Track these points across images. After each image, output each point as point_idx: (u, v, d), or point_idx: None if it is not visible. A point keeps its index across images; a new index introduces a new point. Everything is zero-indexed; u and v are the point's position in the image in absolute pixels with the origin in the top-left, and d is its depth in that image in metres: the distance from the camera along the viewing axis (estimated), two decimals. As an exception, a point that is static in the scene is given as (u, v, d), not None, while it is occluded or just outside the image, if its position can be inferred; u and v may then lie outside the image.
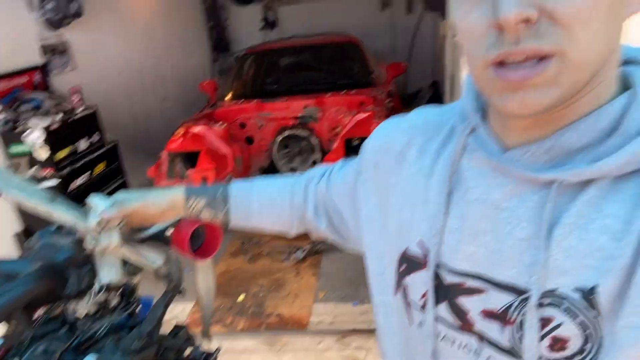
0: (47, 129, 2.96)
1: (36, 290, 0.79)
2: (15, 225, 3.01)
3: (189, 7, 6.06)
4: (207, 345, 1.02)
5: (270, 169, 3.77)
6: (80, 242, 0.86)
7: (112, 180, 3.57)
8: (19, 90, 3.14)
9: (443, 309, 0.55)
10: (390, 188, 0.62)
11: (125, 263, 0.89)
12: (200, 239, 0.91)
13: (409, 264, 0.58)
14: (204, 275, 1.00)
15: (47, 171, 3.00)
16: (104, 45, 4.16)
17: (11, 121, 2.96)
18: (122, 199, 0.78)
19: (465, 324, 0.53)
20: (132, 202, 0.77)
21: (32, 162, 2.98)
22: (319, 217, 0.77)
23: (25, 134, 2.90)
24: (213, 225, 0.90)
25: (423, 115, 0.64)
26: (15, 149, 2.95)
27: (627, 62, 0.48)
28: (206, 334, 1.06)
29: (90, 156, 3.34)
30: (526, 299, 0.47)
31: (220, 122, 3.53)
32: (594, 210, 0.44)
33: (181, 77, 5.50)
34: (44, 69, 3.42)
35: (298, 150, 3.69)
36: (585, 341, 0.44)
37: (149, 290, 1.00)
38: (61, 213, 0.78)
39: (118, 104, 4.26)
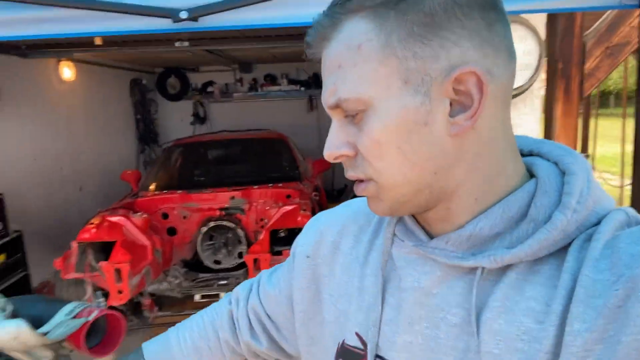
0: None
1: None
2: None
3: (118, 99, 6.07)
4: None
5: (194, 262, 3.61)
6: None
7: (12, 272, 3.22)
8: None
9: None
10: (324, 279, 0.63)
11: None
12: (100, 332, 0.82)
13: (346, 356, 0.57)
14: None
15: None
16: (19, 132, 3.97)
17: None
18: None
19: None
20: None
21: None
22: (256, 338, 0.73)
23: None
24: (115, 315, 0.82)
25: (353, 205, 0.66)
26: None
27: (530, 154, 0.53)
28: None
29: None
30: None
31: (141, 212, 3.38)
32: (517, 294, 0.46)
33: (103, 166, 5.32)
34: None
35: (224, 241, 3.59)
36: None
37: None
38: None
39: (29, 191, 3.98)
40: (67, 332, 0.72)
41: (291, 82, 6.72)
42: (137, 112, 6.51)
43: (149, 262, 3.08)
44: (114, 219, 3.06)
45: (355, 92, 0.45)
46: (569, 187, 0.46)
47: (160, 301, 3.55)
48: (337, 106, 0.47)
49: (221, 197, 3.62)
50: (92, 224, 3.04)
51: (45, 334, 0.70)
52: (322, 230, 0.65)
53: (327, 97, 0.48)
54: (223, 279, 3.49)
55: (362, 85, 0.45)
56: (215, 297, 3.28)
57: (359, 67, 0.45)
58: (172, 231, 3.58)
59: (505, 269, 0.47)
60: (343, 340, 0.58)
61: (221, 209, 3.59)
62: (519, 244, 0.46)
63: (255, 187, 3.69)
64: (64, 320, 0.74)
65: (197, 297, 3.34)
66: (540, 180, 0.48)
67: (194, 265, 3.62)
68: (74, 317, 0.75)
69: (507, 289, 0.46)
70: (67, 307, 0.76)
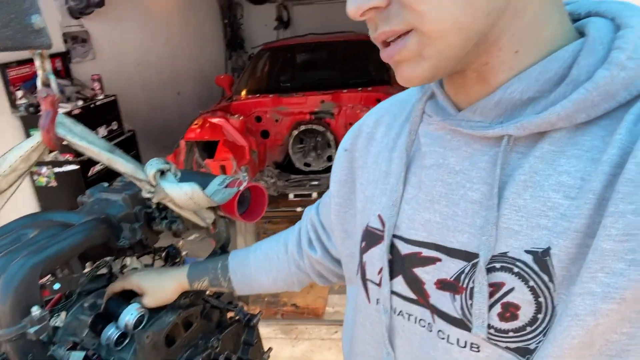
0: (67, 114, 2.99)
1: (93, 238, 0.81)
2: (32, 209, 3.03)
3: (206, 4, 6.11)
4: (246, 308, 1.03)
5: (285, 164, 3.79)
6: (132, 197, 0.88)
7: (129, 168, 3.60)
8: (41, 75, 3.17)
9: (399, 282, 0.53)
10: (358, 170, 0.63)
11: (174, 222, 0.91)
12: (247, 202, 0.93)
13: (368, 239, 0.58)
14: (243, 237, 1.02)
15: (67, 156, 3.03)
16: (122, 37, 4.20)
17: (33, 106, 2.99)
18: (137, 282, 0.84)
19: (420, 297, 0.51)
20: (150, 303, 0.83)
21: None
22: (312, 247, 0.77)
23: (47, 117, 2.93)
24: (259, 189, 0.92)
25: (392, 97, 0.65)
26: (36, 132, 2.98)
27: (591, 15, 0.46)
28: (244, 297, 1.07)
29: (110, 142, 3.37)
30: (477, 264, 0.45)
31: (237, 115, 3.55)
32: (548, 167, 0.42)
33: (196, 72, 5.54)
34: (65, 57, 3.46)
35: (313, 145, 3.71)
36: (538, 310, 0.42)
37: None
38: (121, 163, 0.80)
39: (135, 95, 4.29)
40: (225, 198, 0.83)
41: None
42: (224, 18, 6.55)
43: (247, 161, 3.28)
44: (215, 120, 3.25)
45: None
46: (621, 41, 0.40)
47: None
48: None
49: (311, 101, 3.67)
50: (196, 124, 3.26)
51: (209, 196, 0.81)
52: (361, 123, 0.65)
53: None
54: (314, 180, 3.66)
55: None
56: (308, 196, 3.47)
57: None
58: (265, 134, 3.74)
59: (537, 139, 0.43)
60: (367, 223, 0.58)
61: (311, 113, 3.66)
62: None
63: (345, 91, 3.69)
64: (219, 189, 0.85)
65: (291, 196, 3.55)
66: (589, 38, 0.42)
67: (286, 166, 3.81)
68: (226, 186, 0.86)
69: (536, 162, 0.43)
70: (219, 178, 0.87)
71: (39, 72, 0.73)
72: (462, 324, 0.47)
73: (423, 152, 0.52)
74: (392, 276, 0.54)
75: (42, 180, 3.08)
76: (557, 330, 0.41)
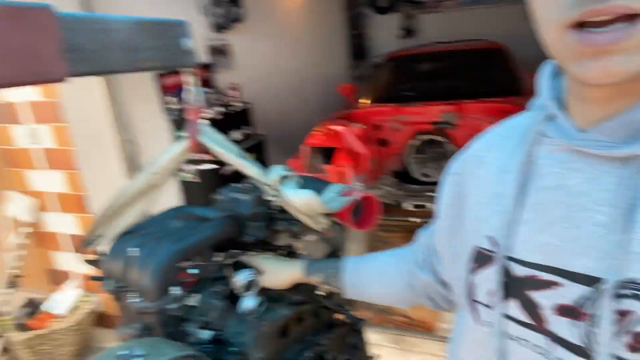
0: (210, 119, 3.35)
1: (225, 232, 0.92)
2: (177, 201, 3.45)
3: (333, 15, 6.35)
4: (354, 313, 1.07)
5: (403, 173, 3.78)
6: (259, 199, 0.98)
7: (256, 170, 3.89)
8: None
9: (513, 306, 0.52)
10: (466, 193, 0.63)
11: (292, 224, 0.99)
12: (359, 211, 0.97)
13: (478, 261, 0.57)
14: (356, 244, 1.07)
15: (206, 156, 3.38)
16: (258, 49, 4.57)
17: (181, 111, 3.41)
18: (260, 261, 0.93)
19: (536, 322, 0.50)
20: (266, 281, 0.91)
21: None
22: (423, 269, 0.78)
23: (192, 122, 3.31)
24: (373, 199, 0.95)
25: (505, 122, 0.64)
26: (183, 137, 3.39)
27: None
28: (352, 303, 1.11)
29: (242, 146, 3.68)
30: (601, 290, 0.43)
31: (358, 123, 3.63)
32: None
33: (321, 81, 5.78)
34: (209, 67, 3.87)
35: (432, 156, 3.64)
36: None
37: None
38: (250, 167, 0.90)
39: (266, 102, 4.63)
40: (340, 205, 0.88)
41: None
42: (350, 28, 6.74)
43: (365, 169, 3.35)
44: (336, 127, 3.37)
45: None
46: None
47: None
48: None
49: (432, 111, 3.61)
50: (317, 131, 3.41)
51: (324, 203, 0.87)
52: (470, 147, 0.65)
53: None
54: (431, 191, 3.59)
55: None
56: (423, 207, 3.42)
57: None
58: (384, 142, 3.78)
59: None
60: (476, 245, 0.57)
61: (432, 123, 3.60)
62: None
63: (468, 101, 3.56)
64: (335, 196, 0.90)
65: (407, 206, 3.53)
66: None
67: (403, 176, 3.80)
68: (342, 194, 0.91)
69: None
70: (336, 186, 0.92)
71: (189, 88, 0.86)
72: (584, 352, 0.45)
73: (541, 174, 0.51)
74: (504, 299, 0.53)
75: (187, 176, 3.48)
76: None
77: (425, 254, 0.78)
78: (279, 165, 0.91)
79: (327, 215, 0.96)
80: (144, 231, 0.92)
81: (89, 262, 0.94)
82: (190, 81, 0.89)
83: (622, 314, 0.42)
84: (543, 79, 0.54)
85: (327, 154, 3.40)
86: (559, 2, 0.39)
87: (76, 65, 0.61)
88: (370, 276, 0.87)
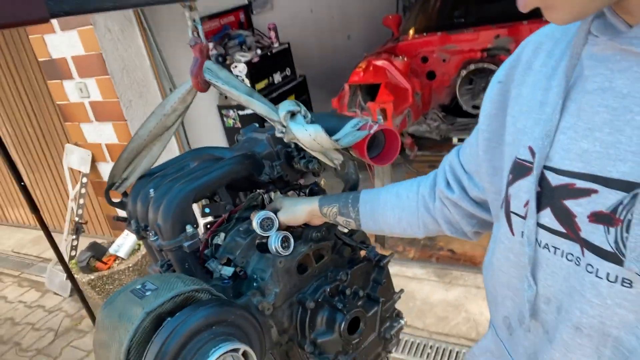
0: (249, 62, 3.32)
1: (237, 171, 0.92)
2: (225, 143, 3.53)
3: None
4: (379, 249, 1.05)
5: (452, 107, 3.61)
6: (274, 137, 0.96)
7: (300, 111, 3.86)
8: (227, 28, 3.55)
9: (547, 215, 0.51)
10: (511, 102, 0.60)
11: (310, 162, 0.96)
12: (380, 145, 0.93)
13: (516, 171, 0.56)
14: (381, 181, 1.03)
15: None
16: (297, -16, 4.39)
17: (221, 55, 3.39)
18: (277, 209, 0.91)
19: (570, 230, 0.49)
20: (282, 217, 0.89)
21: (237, 92, 3.40)
22: (449, 187, 0.75)
23: (233, 66, 3.30)
24: (392, 132, 0.90)
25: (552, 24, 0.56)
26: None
27: None
28: (380, 239, 1.10)
29: (283, 88, 3.66)
30: (638, 195, 0.41)
31: (402, 56, 3.46)
32: None
33: (366, 13, 5.51)
34: (247, 9, 3.78)
35: (484, 85, 3.43)
36: None
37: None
38: (258, 105, 0.87)
39: (308, 41, 4.51)
40: (353, 140, 0.84)
41: None
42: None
43: (409, 104, 3.22)
44: (379, 63, 3.23)
45: None
46: None
47: (420, 142, 3.77)
48: None
49: (484, 37, 3.36)
50: (360, 67, 3.29)
51: (337, 140, 0.83)
52: (519, 52, 0.61)
53: None
54: (482, 123, 3.42)
55: None
56: (473, 141, 3.27)
57: None
58: (431, 75, 3.59)
59: None
60: (516, 156, 0.56)
61: (483, 50, 3.36)
62: None
63: (525, 22, 3.26)
64: (351, 131, 0.86)
65: (454, 140, 3.40)
66: None
67: (453, 109, 3.63)
68: (359, 129, 0.87)
69: None
70: (353, 121, 0.88)
71: (189, 23, 0.83)
72: (615, 257, 0.44)
73: (585, 76, 0.48)
74: (539, 209, 0.52)
75: (230, 122, 3.53)
76: None
77: (453, 173, 0.75)
78: (288, 101, 0.87)
79: (346, 150, 0.92)
80: (161, 172, 0.94)
81: (115, 204, 0.98)
82: (192, 17, 0.86)
83: None
84: None
85: (371, 90, 3.29)
86: None
87: (59, 5, 0.60)
88: (386, 202, 0.84)
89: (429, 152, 3.68)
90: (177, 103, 0.88)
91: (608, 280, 0.45)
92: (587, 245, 0.47)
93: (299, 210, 0.90)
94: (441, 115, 3.60)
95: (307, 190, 1.07)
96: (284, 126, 0.87)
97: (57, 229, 3.62)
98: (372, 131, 0.86)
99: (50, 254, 3.54)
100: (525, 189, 0.54)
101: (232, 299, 0.83)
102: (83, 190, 3.03)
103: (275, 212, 0.91)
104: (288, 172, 0.99)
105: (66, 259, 2.60)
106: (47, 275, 3.26)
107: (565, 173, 0.49)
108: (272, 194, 1.04)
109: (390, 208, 0.83)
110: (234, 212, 0.95)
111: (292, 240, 0.89)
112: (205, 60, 0.86)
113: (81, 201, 3.03)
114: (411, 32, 3.90)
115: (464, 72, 3.40)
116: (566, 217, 0.49)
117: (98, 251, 2.81)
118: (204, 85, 0.85)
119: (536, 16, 3.33)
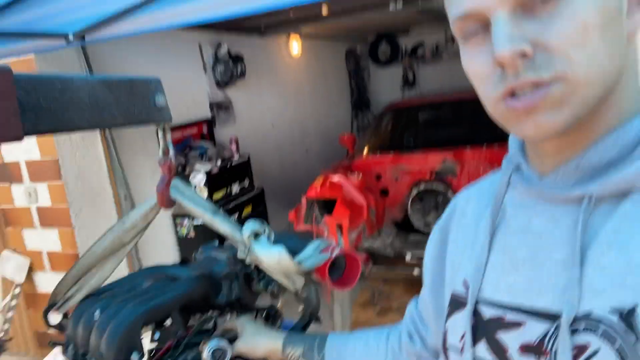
0: (208, 173, 3.36)
1: (194, 293, 0.88)
2: (174, 256, 3.40)
3: (334, 69, 6.53)
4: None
5: (404, 223, 3.72)
6: (235, 257, 0.94)
7: (256, 222, 3.84)
8: (190, 139, 3.64)
9: (482, 349, 0.53)
10: (449, 246, 0.65)
11: (270, 283, 0.94)
12: (340, 269, 0.93)
13: (452, 305, 0.59)
14: (341, 308, 1.01)
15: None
16: (260, 102, 4.67)
17: (181, 165, 3.43)
18: (241, 323, 0.89)
19: None
20: (240, 346, 0.86)
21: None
22: (412, 340, 0.76)
23: (191, 176, 3.32)
24: (354, 257, 0.91)
25: (489, 176, 0.66)
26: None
27: None
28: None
29: (241, 198, 3.68)
30: (560, 326, 0.44)
31: (358, 173, 3.63)
32: (632, 226, 0.43)
33: (324, 131, 5.86)
34: (210, 122, 3.94)
35: (433, 205, 3.60)
36: None
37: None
38: (220, 223, 0.87)
39: (268, 154, 4.67)
40: (317, 263, 0.84)
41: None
42: (351, 80, 6.90)
43: (364, 219, 3.30)
44: (335, 178, 3.35)
45: None
46: None
47: (373, 257, 3.80)
48: None
49: (432, 159, 3.60)
50: (317, 182, 3.40)
51: (299, 263, 0.83)
52: (454, 203, 0.68)
53: None
54: (434, 240, 3.51)
55: None
56: (427, 257, 3.33)
57: None
58: (384, 192, 3.75)
59: (620, 201, 0.45)
60: (452, 291, 0.60)
61: (432, 172, 3.58)
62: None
63: (468, 148, 3.56)
64: (313, 254, 0.86)
65: (408, 257, 3.45)
66: None
67: (404, 226, 3.74)
68: (321, 252, 0.87)
69: (620, 222, 0.44)
70: (315, 243, 0.88)
71: (161, 142, 0.84)
72: None
73: (508, 219, 0.55)
74: (474, 341, 0.54)
75: (184, 231, 3.45)
76: None
77: (414, 325, 0.77)
78: (253, 220, 0.88)
79: (308, 274, 0.91)
80: (109, 293, 0.88)
81: (53, 326, 0.89)
82: (165, 137, 0.88)
83: (579, 348, 0.43)
84: (511, 136, 0.58)
85: (327, 205, 3.37)
86: (489, 83, 0.46)
87: (34, 124, 0.61)
88: (354, 351, 0.81)
89: (383, 267, 3.70)
90: (139, 220, 0.86)
91: None
92: None
93: (260, 344, 0.85)
94: (394, 232, 3.69)
95: (264, 313, 1.03)
96: (246, 247, 0.86)
97: (-26, 345, 3.21)
98: (333, 255, 0.86)
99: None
100: (461, 322, 0.56)
101: None
102: (13, 302, 2.77)
103: (233, 337, 0.86)
104: (246, 295, 0.96)
105: (-21, 382, 2.27)
106: (-49, 401, 2.81)
107: (495, 305, 0.52)
108: (228, 317, 0.99)
109: (359, 357, 0.80)
110: (182, 337, 0.89)
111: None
112: (173, 178, 0.87)
113: (9, 314, 2.75)
114: (365, 150, 4.15)
115: (414, 191, 3.57)
116: (500, 352, 0.51)
117: (19, 373, 2.49)
118: (168, 203, 0.84)
119: (477, 143, 3.65)
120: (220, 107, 4.13)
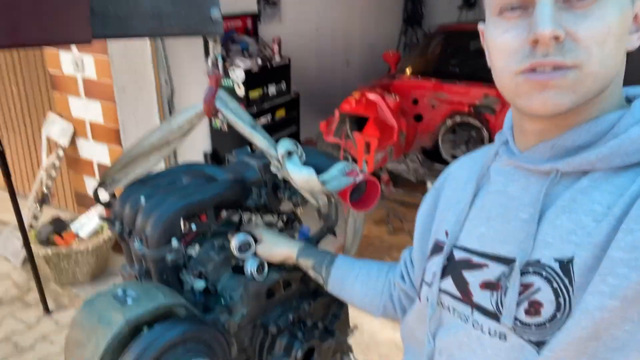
0: (248, 71, 3.37)
1: (228, 194, 0.97)
2: (206, 146, 3.55)
3: (392, -24, 6.11)
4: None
5: (432, 151, 3.74)
6: (266, 167, 1.02)
7: (287, 126, 3.92)
8: (233, 32, 3.60)
9: (448, 283, 0.64)
10: (440, 202, 0.75)
11: (294, 194, 1.03)
12: (361, 191, 1.00)
13: (433, 250, 0.70)
14: (354, 222, 1.10)
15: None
16: (308, 2, 4.49)
17: (223, 58, 3.43)
18: (261, 232, 0.98)
19: (464, 295, 0.62)
20: (259, 250, 0.96)
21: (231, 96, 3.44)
22: (402, 279, 0.85)
23: (230, 70, 3.34)
24: (374, 182, 0.98)
25: (479, 150, 0.76)
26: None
27: None
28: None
29: (275, 101, 3.71)
30: (514, 268, 0.55)
31: (395, 95, 3.59)
32: (584, 197, 0.53)
33: (368, 44, 5.66)
34: (255, 17, 3.85)
35: (466, 139, 3.58)
36: (557, 308, 0.51)
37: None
38: (259, 138, 0.94)
39: (308, 59, 4.60)
40: (340, 186, 0.91)
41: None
42: (407, -10, 6.49)
43: (393, 142, 3.33)
44: (371, 96, 3.34)
45: None
46: None
47: (395, 179, 3.88)
48: None
49: (474, 93, 3.52)
50: (353, 97, 3.39)
51: (324, 183, 0.90)
52: (449, 168, 0.79)
53: None
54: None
55: None
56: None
57: None
58: (418, 117, 3.73)
59: (581, 176, 0.54)
60: (436, 239, 0.71)
61: (471, 105, 3.52)
62: None
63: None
64: (337, 175, 0.93)
65: (428, 185, 3.53)
66: (633, 107, 0.54)
67: (433, 154, 3.76)
68: (345, 174, 0.94)
69: (576, 193, 0.54)
70: (340, 165, 0.95)
71: (210, 54, 0.89)
72: (495, 316, 0.57)
73: (490, 183, 0.65)
74: (442, 277, 0.65)
75: (217, 123, 3.56)
76: (570, 322, 0.50)
77: (405, 266, 0.86)
78: (287, 139, 0.94)
79: (330, 193, 0.99)
80: (153, 182, 0.98)
81: (101, 202, 1.01)
82: (213, 48, 0.91)
83: (525, 286, 0.54)
84: (507, 116, 0.68)
85: (359, 122, 3.39)
86: (517, 56, 0.53)
87: (102, 29, 0.65)
88: (357, 277, 0.91)
89: (402, 191, 3.80)
90: (184, 123, 0.93)
91: (489, 335, 0.58)
92: (476, 306, 0.60)
93: (277, 250, 0.96)
94: (421, 158, 3.73)
95: (285, 217, 1.13)
96: (280, 162, 0.93)
97: (21, 194, 3.54)
98: (357, 180, 0.93)
99: (8, 217, 3.46)
100: (436, 262, 0.67)
101: (201, 312, 0.88)
102: (57, 162, 3.00)
103: (254, 239, 0.97)
104: (271, 201, 1.05)
105: (26, 226, 2.56)
106: (1, 238, 3.19)
107: (466, 250, 0.63)
108: (253, 217, 1.10)
109: (360, 283, 0.90)
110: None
111: (267, 268, 0.94)
112: (218, 89, 0.92)
113: (53, 172, 2.99)
114: (407, 72, 4.05)
115: (449, 122, 3.54)
116: (462, 284, 0.62)
117: (59, 226, 2.78)
118: (214, 112, 0.91)
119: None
120: (268, 2, 4.01)
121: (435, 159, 3.73)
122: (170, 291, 0.82)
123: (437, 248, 0.69)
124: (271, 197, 1.04)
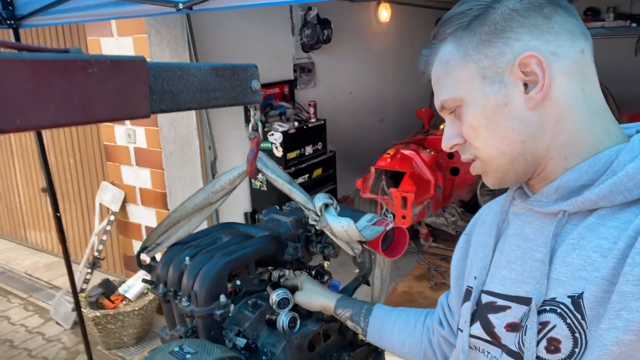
0: (285, 132, 3.53)
1: (267, 249, 1.02)
2: (246, 206, 3.67)
3: (422, 38, 6.35)
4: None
5: (471, 204, 3.71)
6: (297, 221, 1.07)
7: (325, 184, 4.01)
8: (271, 98, 3.82)
9: (477, 327, 0.67)
10: (471, 248, 0.79)
11: (326, 247, 1.07)
12: (389, 240, 1.03)
13: (465, 296, 0.73)
14: (381, 273, 1.12)
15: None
16: (341, 69, 4.72)
17: (262, 123, 3.62)
18: (302, 281, 1.04)
19: (493, 338, 0.65)
20: (298, 298, 1.01)
21: (270, 157, 3.59)
22: (441, 325, 0.87)
23: (270, 134, 3.51)
24: (403, 229, 1.01)
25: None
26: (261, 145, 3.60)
27: None
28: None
29: (312, 160, 3.84)
30: (532, 307, 0.57)
31: (430, 149, 3.63)
32: (592, 234, 0.55)
33: (401, 102, 5.81)
34: (292, 83, 4.08)
35: (505, 190, 3.53)
36: (575, 344, 0.53)
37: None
38: (297, 194, 1.00)
39: (343, 120, 4.76)
40: (374, 234, 0.95)
41: (619, 16, 5.60)
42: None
43: (430, 196, 3.34)
44: (406, 152, 3.40)
45: (450, 94, 0.62)
46: None
47: (435, 233, 3.84)
48: (442, 107, 0.64)
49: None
50: (388, 153, 3.46)
51: (361, 231, 0.94)
52: (480, 212, 0.82)
53: (436, 102, 0.66)
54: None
55: (454, 88, 0.62)
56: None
57: (449, 76, 0.62)
58: (455, 171, 3.73)
59: (587, 215, 0.57)
60: (467, 284, 0.74)
61: (507, 157, 3.50)
62: None
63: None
64: (367, 225, 0.97)
65: (470, 238, 3.46)
66: (631, 142, 0.56)
67: (472, 206, 3.73)
68: (374, 224, 0.98)
69: (584, 230, 0.56)
70: (368, 216, 0.99)
71: (252, 120, 0.97)
72: (519, 355, 0.60)
73: (509, 226, 0.69)
74: (472, 322, 0.68)
75: (257, 184, 3.69)
76: (589, 358, 0.52)
77: (443, 312, 0.88)
78: (323, 194, 0.99)
79: (360, 241, 1.02)
80: (194, 242, 1.05)
81: (143, 266, 1.07)
82: (253, 115, 1.00)
83: (543, 324, 0.56)
84: None
85: (395, 177, 3.44)
86: (461, 154, 0.67)
87: (158, 104, 0.74)
88: (395, 325, 0.93)
89: (442, 245, 3.74)
90: (227, 183, 1.01)
91: None
92: (504, 348, 0.63)
93: (316, 300, 0.99)
94: (460, 211, 3.69)
95: (314, 271, 1.16)
96: (317, 215, 0.98)
97: (73, 259, 3.73)
98: (388, 228, 0.97)
99: (60, 282, 3.63)
100: (467, 308, 0.70)
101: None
102: (108, 227, 3.17)
103: (293, 289, 1.00)
104: (305, 254, 1.09)
105: (77, 290, 2.68)
106: (53, 303, 3.33)
107: (491, 293, 0.67)
108: (286, 272, 1.13)
109: (398, 331, 0.93)
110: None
111: (299, 321, 0.97)
112: (259, 151, 1.00)
113: (104, 237, 3.16)
114: (441, 127, 4.11)
115: (486, 174, 3.53)
116: (489, 328, 0.65)
117: (108, 289, 2.89)
118: (255, 172, 0.98)
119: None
120: (303, 70, 4.25)
121: (474, 211, 3.67)
122: (222, 347, 0.85)
123: (468, 294, 0.72)
124: (304, 250, 1.08)
